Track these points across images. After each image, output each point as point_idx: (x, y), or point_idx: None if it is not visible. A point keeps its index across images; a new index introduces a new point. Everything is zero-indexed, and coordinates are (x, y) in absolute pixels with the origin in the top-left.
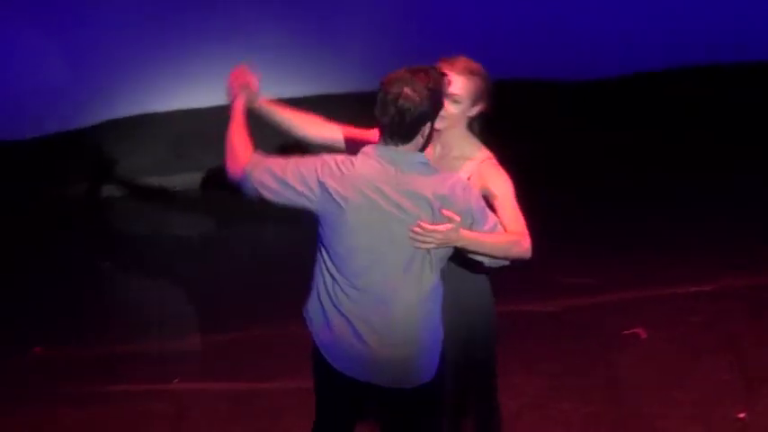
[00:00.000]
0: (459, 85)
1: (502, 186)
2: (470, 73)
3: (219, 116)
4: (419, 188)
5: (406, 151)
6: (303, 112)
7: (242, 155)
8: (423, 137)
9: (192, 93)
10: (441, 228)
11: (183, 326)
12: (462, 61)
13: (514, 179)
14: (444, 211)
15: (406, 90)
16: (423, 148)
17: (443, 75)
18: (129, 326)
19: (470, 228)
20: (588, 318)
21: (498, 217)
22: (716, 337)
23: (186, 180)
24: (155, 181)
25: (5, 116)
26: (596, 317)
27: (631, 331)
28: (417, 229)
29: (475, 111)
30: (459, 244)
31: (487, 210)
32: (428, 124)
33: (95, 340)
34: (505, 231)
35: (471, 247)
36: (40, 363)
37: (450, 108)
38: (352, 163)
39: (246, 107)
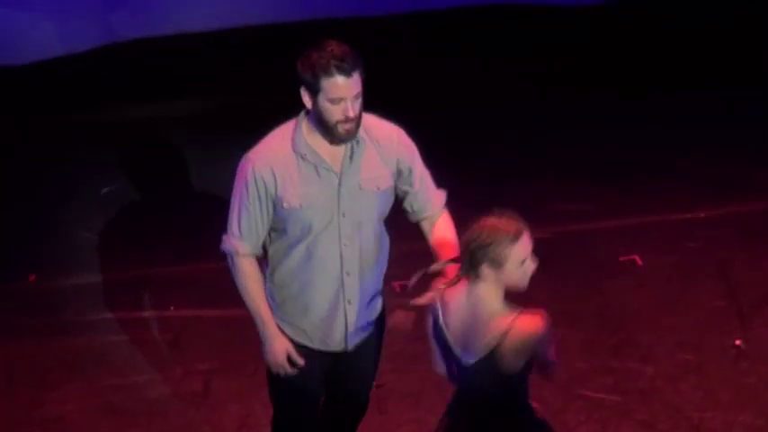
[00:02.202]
0: None
1: None
2: None
3: None
4: None
5: None
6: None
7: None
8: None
9: None
10: None
11: (178, 253)
12: None
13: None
14: None
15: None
16: None
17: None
18: (123, 254)
19: None
20: (581, 244)
21: None
22: (710, 264)
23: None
24: (148, 110)
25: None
26: (589, 243)
27: (628, 258)
28: None
29: None
30: None
31: None
32: None
33: (89, 268)
34: None
35: None
36: (34, 291)
37: None
38: None
39: None
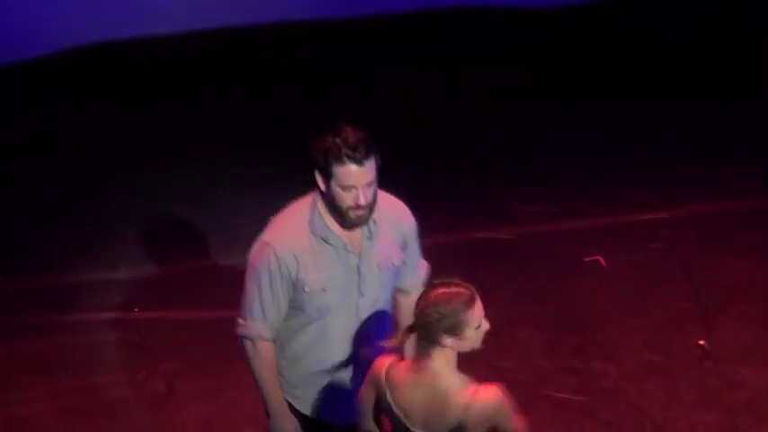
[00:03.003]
0: None
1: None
2: None
3: None
4: None
5: None
6: None
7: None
8: None
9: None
10: None
11: (143, 255)
12: None
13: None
14: None
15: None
16: None
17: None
18: (88, 256)
19: None
20: (545, 245)
21: None
22: (673, 265)
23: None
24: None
25: None
26: (553, 244)
27: (592, 258)
28: None
29: None
30: None
31: None
32: None
33: (53, 271)
34: None
35: None
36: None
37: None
38: None
39: None
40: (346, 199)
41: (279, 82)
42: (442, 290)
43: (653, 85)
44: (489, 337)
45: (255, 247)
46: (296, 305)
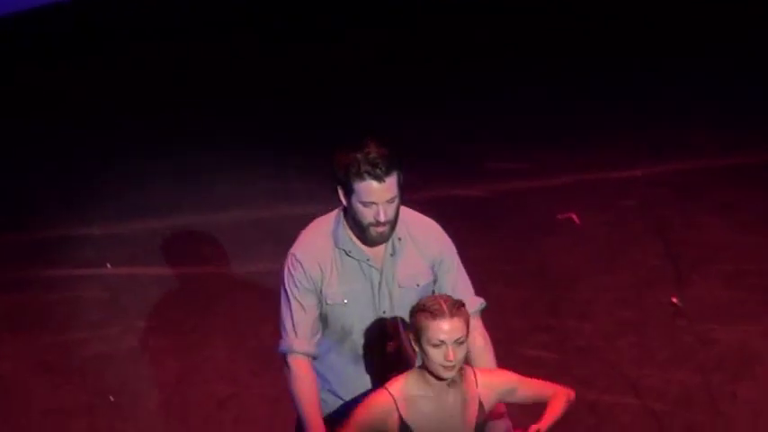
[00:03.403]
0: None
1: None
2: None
3: None
4: None
5: None
6: None
7: None
8: None
9: None
10: None
11: (117, 211)
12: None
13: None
14: None
15: None
16: None
17: None
18: (61, 211)
19: None
20: (517, 203)
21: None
22: (646, 222)
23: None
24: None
25: None
26: (525, 202)
27: (565, 216)
28: None
29: None
30: None
31: None
32: None
33: (26, 226)
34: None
35: None
36: None
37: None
38: None
39: None
40: (367, 215)
41: None
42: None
43: (626, 41)
44: None
45: (285, 262)
46: (322, 319)
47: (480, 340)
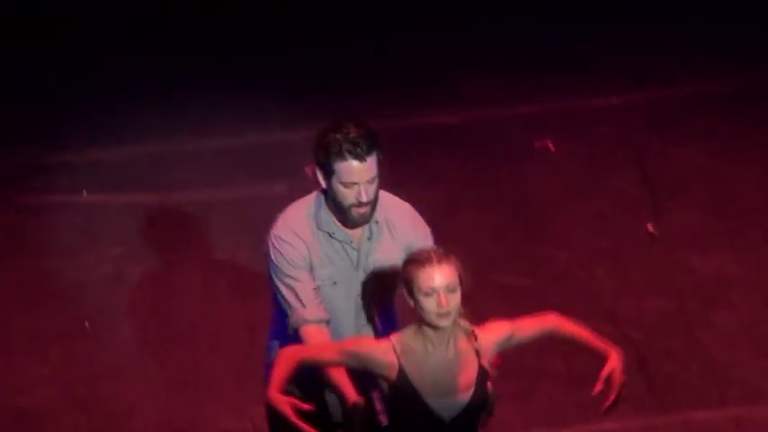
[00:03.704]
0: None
1: None
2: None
3: None
4: None
5: None
6: None
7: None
8: None
9: None
10: None
11: (93, 137)
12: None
13: None
14: None
15: None
16: None
17: None
18: (36, 137)
19: None
20: (494, 130)
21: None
22: (623, 150)
23: None
24: None
25: None
26: (501, 129)
27: (542, 143)
28: None
29: None
30: None
31: None
32: None
33: (2, 151)
34: None
35: None
36: None
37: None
38: None
39: None
40: (348, 196)
41: None
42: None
43: None
44: (438, 218)
45: (267, 245)
46: None
47: None
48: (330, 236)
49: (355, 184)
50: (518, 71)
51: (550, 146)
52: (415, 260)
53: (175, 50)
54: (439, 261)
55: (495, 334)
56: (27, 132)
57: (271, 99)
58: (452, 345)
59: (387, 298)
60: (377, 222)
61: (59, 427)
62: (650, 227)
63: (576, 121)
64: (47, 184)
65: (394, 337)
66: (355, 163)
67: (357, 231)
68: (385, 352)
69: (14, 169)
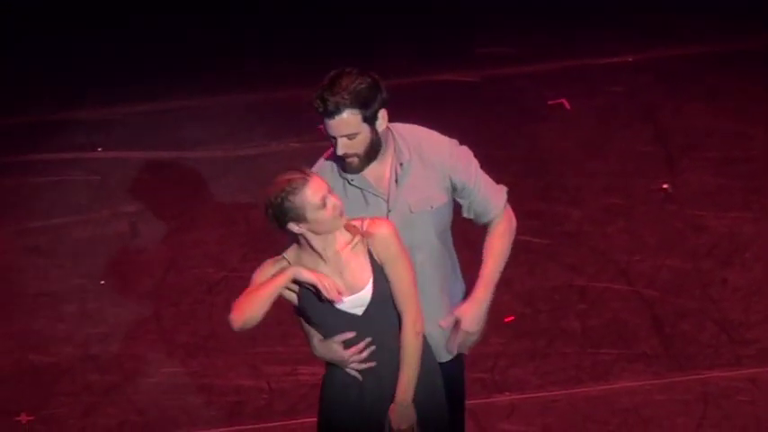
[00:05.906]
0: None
1: None
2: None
3: None
4: None
5: None
6: None
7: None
8: None
9: None
10: None
11: (108, 95)
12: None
13: None
14: None
15: None
16: None
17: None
18: (52, 94)
19: None
20: (508, 88)
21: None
22: (636, 109)
23: None
24: None
25: None
26: (516, 87)
27: (556, 101)
28: None
29: None
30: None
31: None
32: None
33: (17, 109)
34: None
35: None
36: None
37: None
38: None
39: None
40: (335, 147)
41: None
42: (273, 181)
43: None
44: None
45: None
46: None
47: (504, 225)
48: (349, 182)
49: (333, 137)
50: (531, 30)
51: (565, 104)
52: (285, 190)
53: (191, 12)
54: (306, 175)
55: (376, 230)
56: (41, 90)
57: (284, 55)
58: (338, 244)
59: (440, 237)
60: (401, 164)
61: (74, 384)
62: (664, 185)
63: (590, 78)
64: (61, 141)
65: (285, 253)
66: (326, 119)
67: (381, 177)
68: (280, 263)
69: (29, 127)
